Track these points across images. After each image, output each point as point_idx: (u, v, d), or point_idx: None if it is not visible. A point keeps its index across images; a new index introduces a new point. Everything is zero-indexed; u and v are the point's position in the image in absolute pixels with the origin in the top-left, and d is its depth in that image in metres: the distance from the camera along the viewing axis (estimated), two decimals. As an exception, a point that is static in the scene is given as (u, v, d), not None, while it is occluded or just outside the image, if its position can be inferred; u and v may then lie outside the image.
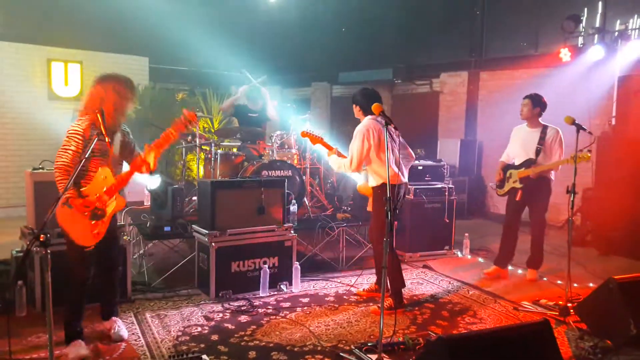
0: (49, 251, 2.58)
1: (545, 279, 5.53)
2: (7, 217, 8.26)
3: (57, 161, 3.40)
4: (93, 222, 3.46)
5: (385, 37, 10.50)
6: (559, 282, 5.39)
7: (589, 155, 4.87)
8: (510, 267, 5.76)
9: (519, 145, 5.50)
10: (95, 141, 3.22)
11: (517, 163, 5.49)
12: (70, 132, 3.46)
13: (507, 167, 5.58)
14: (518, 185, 5.38)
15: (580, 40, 7.95)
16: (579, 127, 4.62)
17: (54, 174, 3.39)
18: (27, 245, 4.37)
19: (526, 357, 2.97)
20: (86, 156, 3.12)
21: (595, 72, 7.50)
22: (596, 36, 7.77)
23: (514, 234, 5.58)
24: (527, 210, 5.53)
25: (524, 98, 5.44)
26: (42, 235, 2.53)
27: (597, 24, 7.78)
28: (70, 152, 3.40)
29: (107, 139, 3.47)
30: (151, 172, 3.66)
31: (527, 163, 5.36)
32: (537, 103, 5.36)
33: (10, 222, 7.57)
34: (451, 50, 9.93)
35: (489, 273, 5.62)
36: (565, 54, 7.55)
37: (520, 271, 5.76)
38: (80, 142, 3.43)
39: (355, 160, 4.44)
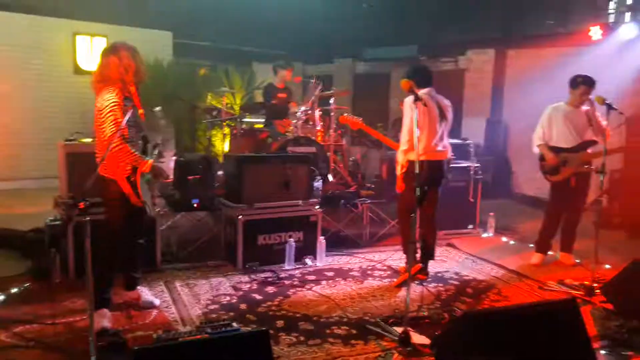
0: (88, 218, 2.66)
1: (578, 260, 5.45)
2: (35, 188, 8.42)
3: (112, 138, 3.36)
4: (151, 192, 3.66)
5: (410, 13, 10.33)
6: (578, 261, 5.35)
7: None
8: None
9: (563, 125, 5.15)
10: (131, 112, 3.28)
11: (563, 145, 5.17)
12: (110, 105, 3.45)
13: (556, 150, 5.21)
14: (587, 169, 5.08)
15: (612, 17, 7.77)
16: (610, 107, 4.56)
17: (113, 148, 3.35)
18: (63, 214, 4.50)
19: (552, 334, 2.98)
20: (122, 125, 3.16)
21: (627, 50, 7.32)
22: (628, 14, 7.58)
23: (559, 224, 5.39)
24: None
25: (590, 86, 5.03)
26: (81, 203, 2.60)
27: (630, 1, 7.58)
28: (119, 122, 3.39)
29: (140, 110, 3.52)
30: None
31: (588, 145, 5.12)
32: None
33: (37, 193, 7.73)
34: (478, 27, 9.73)
35: (536, 263, 5.37)
36: (596, 32, 7.38)
37: (550, 253, 5.64)
38: (121, 110, 3.46)
39: None
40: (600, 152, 4.98)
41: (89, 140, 4.78)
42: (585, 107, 5.14)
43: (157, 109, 3.92)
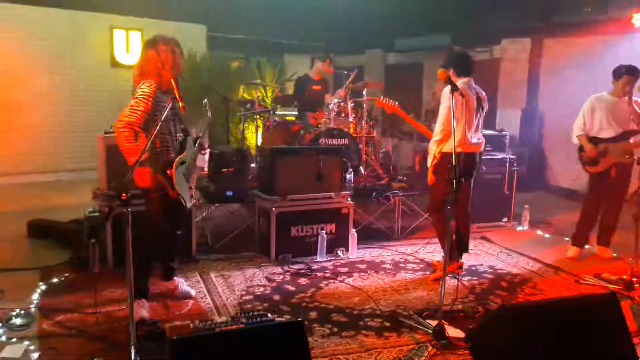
0: (129, 209, 2.72)
1: (615, 254, 5.30)
2: (71, 180, 8.62)
3: (121, 117, 3.43)
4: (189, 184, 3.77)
5: (443, 1, 10.17)
6: (615, 255, 5.22)
7: None
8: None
9: (605, 115, 5.04)
10: (170, 105, 3.32)
11: (604, 135, 5.06)
12: (139, 94, 3.51)
13: (595, 141, 5.11)
14: (628, 160, 4.96)
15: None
16: (654, 96, 4.43)
17: (117, 129, 3.43)
18: (102, 205, 4.61)
19: (592, 328, 2.92)
20: (162, 119, 3.20)
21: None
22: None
23: (597, 216, 5.28)
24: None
25: (633, 76, 4.90)
26: (123, 194, 2.66)
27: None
28: (138, 112, 3.45)
29: (181, 104, 3.57)
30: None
31: (629, 135, 4.99)
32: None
33: (74, 185, 7.94)
34: (513, 15, 9.52)
35: (573, 257, 5.28)
36: (638, 19, 7.16)
37: (586, 246, 5.48)
38: (149, 104, 3.49)
39: None
40: None
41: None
42: (635, 100, 5.01)
43: (204, 101, 3.99)
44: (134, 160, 3.25)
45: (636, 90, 4.65)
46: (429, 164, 4.52)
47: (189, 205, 3.78)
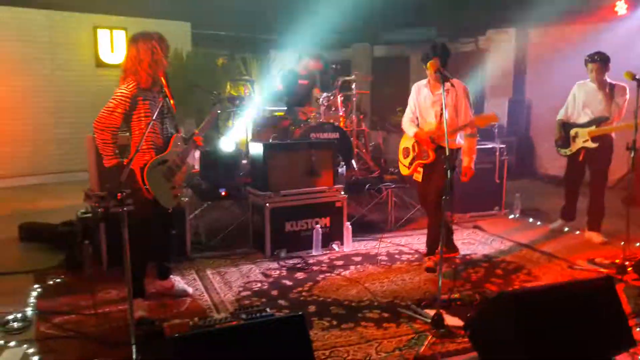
0: (125, 209, 2.70)
1: (606, 239, 5.34)
2: (57, 182, 8.51)
3: (99, 121, 3.45)
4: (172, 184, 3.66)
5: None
6: (607, 240, 5.28)
7: None
8: (566, 229, 5.71)
9: (582, 101, 5.29)
10: (161, 104, 3.29)
11: (581, 121, 5.29)
12: (117, 95, 3.49)
13: (568, 126, 5.39)
14: (590, 144, 5.18)
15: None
16: (640, 83, 4.48)
17: (95, 129, 3.48)
18: (95, 206, 4.57)
19: (590, 312, 2.96)
20: (153, 118, 3.17)
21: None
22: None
23: (577, 193, 5.59)
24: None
25: (595, 62, 5.10)
26: (119, 194, 2.64)
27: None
28: (116, 114, 3.46)
29: (171, 101, 3.54)
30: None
31: (597, 121, 5.16)
32: (606, 64, 5.09)
33: (60, 187, 7.86)
34: (498, 5, 9.56)
35: (555, 228, 5.71)
36: (621, 6, 7.25)
37: (577, 232, 5.62)
38: (127, 104, 3.48)
39: None
40: (608, 129, 5.15)
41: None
42: (618, 87, 5.13)
43: (214, 93, 3.98)
44: (110, 162, 3.42)
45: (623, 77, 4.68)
46: (473, 163, 4.50)
47: (169, 205, 3.71)
